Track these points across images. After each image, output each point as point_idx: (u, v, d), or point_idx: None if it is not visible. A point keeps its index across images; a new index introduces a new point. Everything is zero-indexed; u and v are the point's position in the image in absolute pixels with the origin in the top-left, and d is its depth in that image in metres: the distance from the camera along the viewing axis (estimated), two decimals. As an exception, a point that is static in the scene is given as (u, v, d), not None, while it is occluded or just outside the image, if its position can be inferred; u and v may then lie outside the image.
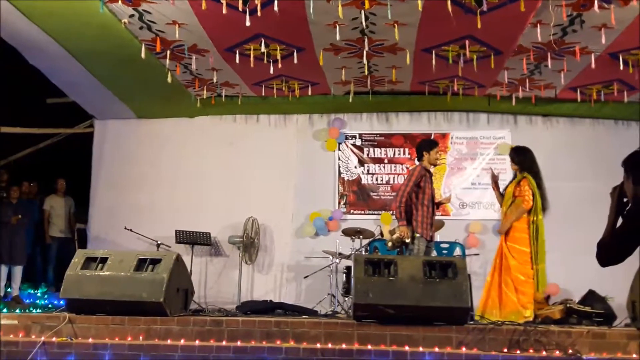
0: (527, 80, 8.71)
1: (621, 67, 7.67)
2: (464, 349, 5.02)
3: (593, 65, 7.64)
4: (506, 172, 9.69)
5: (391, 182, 10.16)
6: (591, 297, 7.04)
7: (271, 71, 8.08)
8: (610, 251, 3.10)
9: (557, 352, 4.95)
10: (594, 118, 9.89)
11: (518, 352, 4.99)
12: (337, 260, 8.63)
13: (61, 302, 6.20)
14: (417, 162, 7.25)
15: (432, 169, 7.17)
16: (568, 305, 6.70)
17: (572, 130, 9.98)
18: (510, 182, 7.02)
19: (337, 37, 7.00)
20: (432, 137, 10.07)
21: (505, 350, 5.02)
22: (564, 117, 9.98)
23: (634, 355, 5.01)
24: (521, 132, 9.93)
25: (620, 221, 3.16)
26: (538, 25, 6.79)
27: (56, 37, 7.40)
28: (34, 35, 7.25)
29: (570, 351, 4.93)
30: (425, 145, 7.18)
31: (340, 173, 10.26)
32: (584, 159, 9.72)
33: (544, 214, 6.75)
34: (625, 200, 3.16)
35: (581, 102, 9.20)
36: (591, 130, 9.95)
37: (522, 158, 6.88)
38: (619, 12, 6.43)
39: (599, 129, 9.93)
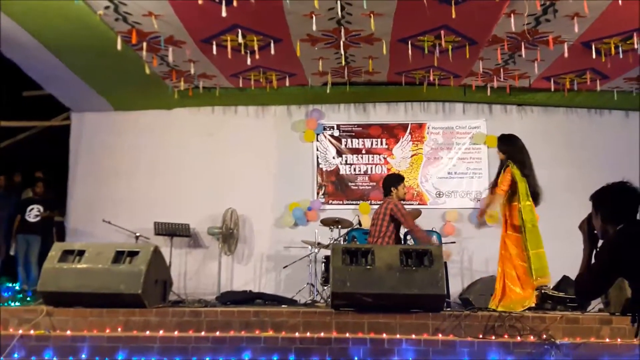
0: (501, 70, 8.79)
1: (594, 56, 7.71)
2: (440, 335, 5.11)
3: (566, 55, 7.73)
4: (481, 161, 9.84)
5: (369, 172, 10.20)
6: (565, 282, 7.17)
7: (248, 62, 8.06)
8: (587, 289, 3.29)
9: (532, 337, 5.05)
10: (568, 107, 10.00)
11: (493, 337, 5.09)
12: (316, 250, 8.66)
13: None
14: (384, 198, 7.36)
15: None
16: (542, 291, 6.81)
17: (546, 119, 10.07)
18: (500, 171, 7.03)
19: (314, 28, 7.00)
20: (409, 127, 10.16)
21: (481, 335, 5.12)
22: (538, 106, 10.07)
23: (607, 340, 5.11)
24: (496, 121, 10.01)
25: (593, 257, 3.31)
26: (512, 15, 6.83)
27: (31, 30, 7.31)
28: (9, 28, 7.15)
29: (544, 336, 5.02)
30: (392, 180, 7.37)
31: (318, 164, 10.27)
32: (558, 147, 9.82)
33: (537, 201, 6.75)
34: (595, 232, 3.30)
35: (555, 91, 9.31)
36: (565, 119, 10.06)
37: (508, 147, 6.90)
38: (592, 1, 6.46)
39: (573, 118, 10.05)
